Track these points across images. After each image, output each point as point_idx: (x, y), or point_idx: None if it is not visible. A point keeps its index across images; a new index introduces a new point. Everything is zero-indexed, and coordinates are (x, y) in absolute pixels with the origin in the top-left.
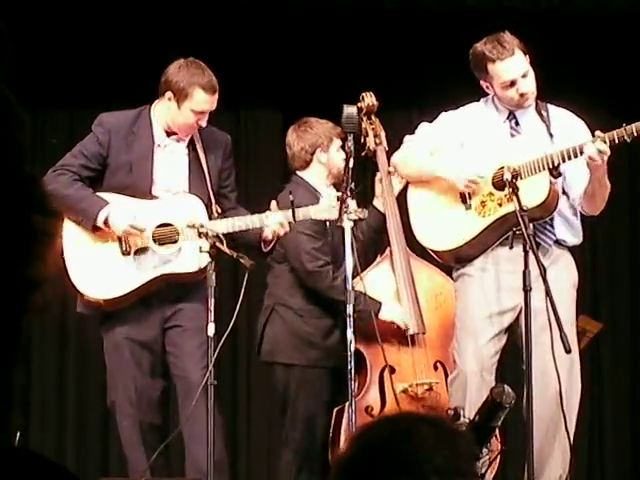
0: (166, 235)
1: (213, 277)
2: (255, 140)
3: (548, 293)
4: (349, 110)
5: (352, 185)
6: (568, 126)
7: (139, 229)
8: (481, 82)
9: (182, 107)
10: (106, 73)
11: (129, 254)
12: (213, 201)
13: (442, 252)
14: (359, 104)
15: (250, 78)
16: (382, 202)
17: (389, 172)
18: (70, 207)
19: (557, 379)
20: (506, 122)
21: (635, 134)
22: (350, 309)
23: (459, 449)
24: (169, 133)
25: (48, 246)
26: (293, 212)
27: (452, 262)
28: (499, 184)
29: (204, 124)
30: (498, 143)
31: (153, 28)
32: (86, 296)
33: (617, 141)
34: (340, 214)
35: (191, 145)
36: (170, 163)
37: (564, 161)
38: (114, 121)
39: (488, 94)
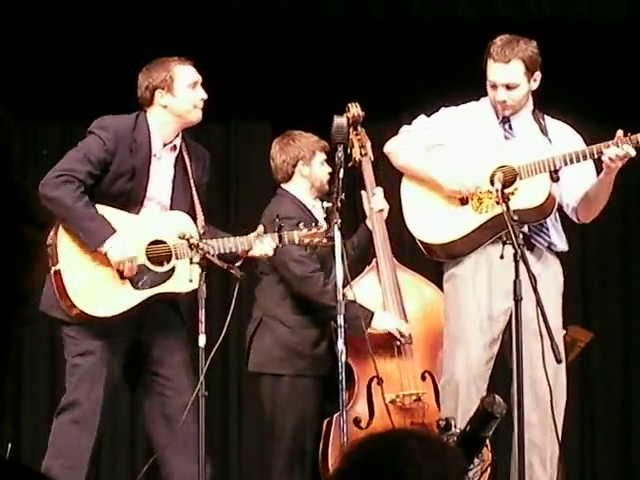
0: (159, 253)
1: (204, 288)
2: (245, 152)
3: (539, 303)
4: (339, 121)
5: (342, 196)
6: (564, 139)
7: (133, 266)
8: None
9: (176, 91)
10: (97, 85)
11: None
12: (200, 217)
13: (434, 245)
14: (345, 114)
15: (239, 90)
16: (369, 215)
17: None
18: (74, 221)
19: (546, 388)
20: (501, 124)
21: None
22: (341, 319)
23: (448, 462)
24: (165, 143)
25: (37, 258)
26: (280, 236)
27: (443, 257)
28: None
29: (205, 95)
30: (495, 143)
31: (144, 41)
32: (82, 311)
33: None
34: (330, 225)
35: (179, 157)
36: (160, 174)
37: (565, 164)
38: (119, 126)
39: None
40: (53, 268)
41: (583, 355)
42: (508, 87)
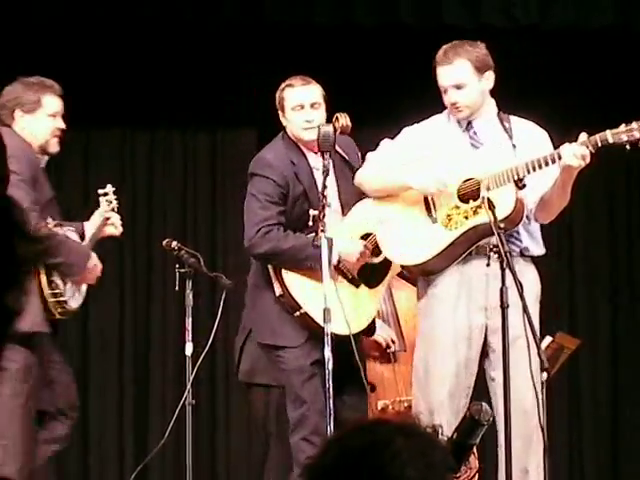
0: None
1: (190, 297)
2: (231, 159)
3: (525, 310)
4: (325, 129)
5: (329, 203)
6: (530, 138)
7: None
8: None
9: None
10: (100, 85)
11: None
12: None
13: (410, 267)
14: (333, 124)
15: (226, 98)
16: None
17: None
18: (298, 259)
19: (532, 396)
20: (465, 132)
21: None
22: (328, 328)
23: (433, 461)
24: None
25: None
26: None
27: (419, 274)
28: (464, 197)
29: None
30: (462, 155)
31: (137, 46)
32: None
33: (600, 144)
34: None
35: None
36: None
37: (529, 172)
38: (275, 158)
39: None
40: (298, 312)
41: (570, 362)
42: (458, 88)
